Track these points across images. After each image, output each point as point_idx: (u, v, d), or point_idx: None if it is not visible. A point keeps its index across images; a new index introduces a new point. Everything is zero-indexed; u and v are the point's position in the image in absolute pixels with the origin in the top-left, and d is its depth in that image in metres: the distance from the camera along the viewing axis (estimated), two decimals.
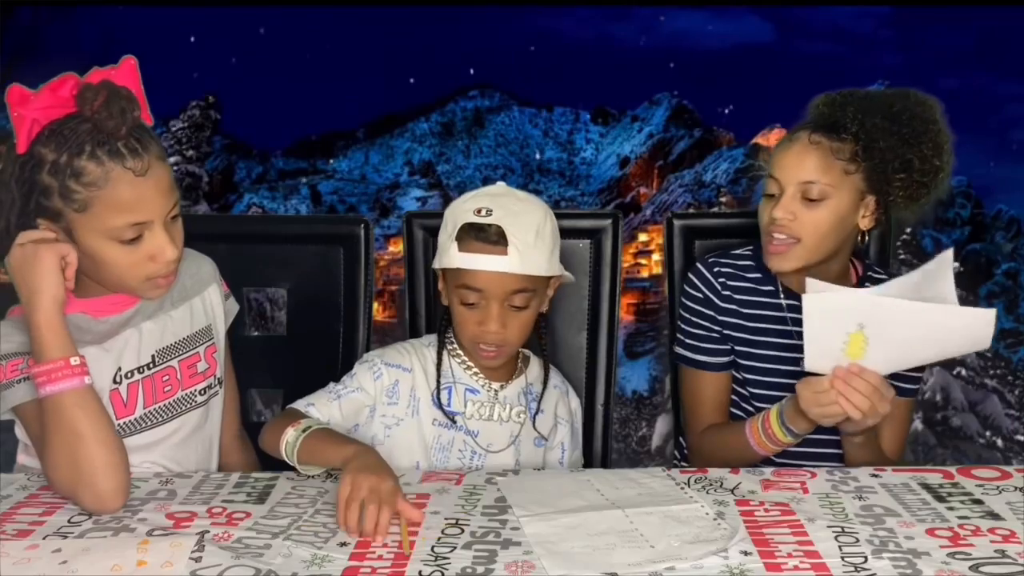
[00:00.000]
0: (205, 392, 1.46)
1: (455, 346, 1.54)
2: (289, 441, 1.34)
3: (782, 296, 1.60)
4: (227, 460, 1.56)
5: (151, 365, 1.41)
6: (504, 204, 1.43)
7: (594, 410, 1.80)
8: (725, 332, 1.61)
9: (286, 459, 1.34)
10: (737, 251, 1.65)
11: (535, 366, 1.59)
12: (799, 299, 1.55)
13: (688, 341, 1.64)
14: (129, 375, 1.39)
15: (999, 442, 10.13)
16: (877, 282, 1.60)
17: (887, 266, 1.77)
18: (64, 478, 1.23)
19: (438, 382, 1.50)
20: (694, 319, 1.63)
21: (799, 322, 1.54)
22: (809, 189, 1.48)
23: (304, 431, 1.34)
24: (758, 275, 1.62)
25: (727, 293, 1.61)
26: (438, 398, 1.49)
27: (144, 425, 1.39)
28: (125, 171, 1.25)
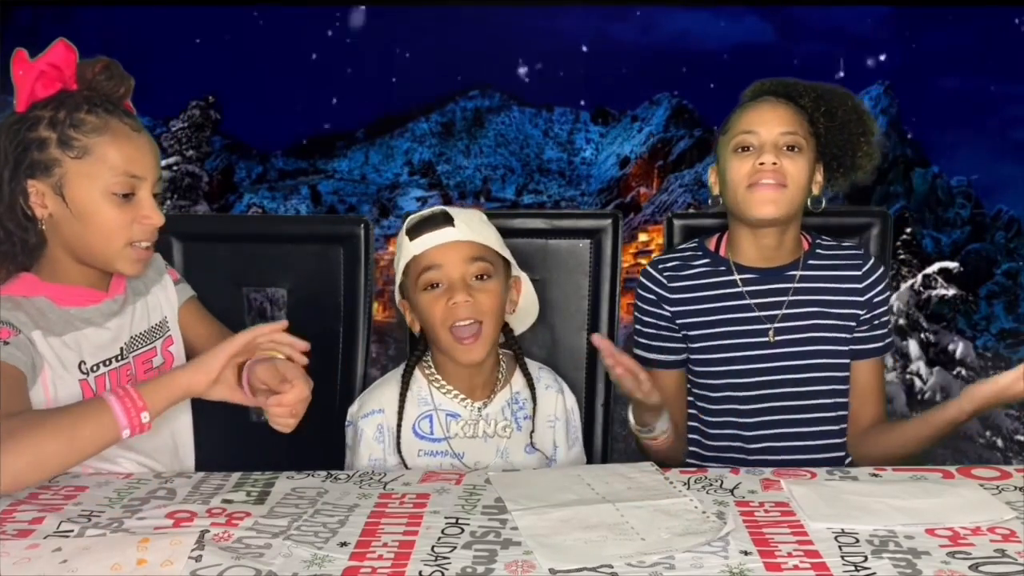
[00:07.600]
0: None
1: (432, 370, 1.54)
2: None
3: (735, 272, 1.62)
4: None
5: (119, 358, 1.43)
6: (445, 207, 1.51)
7: (594, 410, 1.80)
8: (679, 322, 1.63)
9: None
10: (682, 246, 1.71)
11: (520, 374, 1.59)
12: (754, 272, 1.61)
13: (642, 340, 1.67)
14: (95, 368, 1.40)
15: (999, 442, 10.12)
16: (828, 249, 1.66)
17: (887, 263, 1.76)
18: (25, 451, 1.20)
19: (399, 424, 1.51)
20: (647, 319, 1.66)
21: (756, 294, 1.61)
22: (789, 140, 1.56)
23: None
24: (706, 260, 1.65)
25: (675, 285, 1.64)
26: (396, 444, 1.51)
27: None
28: (123, 124, 1.36)
